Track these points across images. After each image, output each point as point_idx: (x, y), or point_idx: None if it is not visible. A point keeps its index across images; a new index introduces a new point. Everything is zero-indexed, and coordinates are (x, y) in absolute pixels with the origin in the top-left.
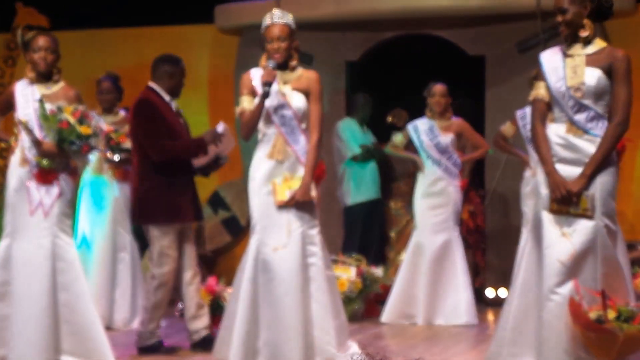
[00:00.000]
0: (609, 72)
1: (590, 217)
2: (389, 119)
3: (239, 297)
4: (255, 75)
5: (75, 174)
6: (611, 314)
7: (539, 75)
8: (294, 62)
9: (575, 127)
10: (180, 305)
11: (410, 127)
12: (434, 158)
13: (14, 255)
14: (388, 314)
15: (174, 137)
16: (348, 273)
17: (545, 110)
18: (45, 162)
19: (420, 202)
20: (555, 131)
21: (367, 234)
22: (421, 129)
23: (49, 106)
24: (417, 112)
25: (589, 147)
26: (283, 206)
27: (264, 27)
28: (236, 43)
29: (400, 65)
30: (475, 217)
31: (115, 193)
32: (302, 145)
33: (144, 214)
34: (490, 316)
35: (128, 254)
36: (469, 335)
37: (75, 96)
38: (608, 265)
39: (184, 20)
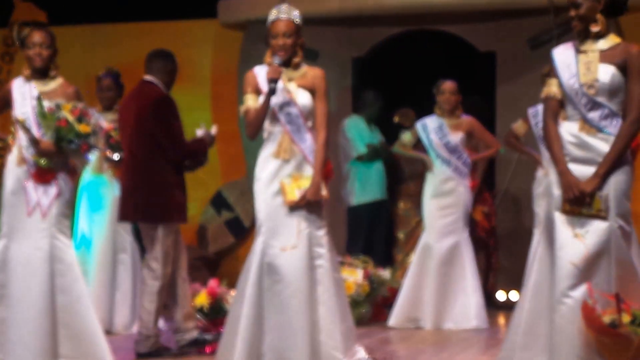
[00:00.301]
0: (623, 68)
1: (603, 218)
2: (396, 119)
3: (243, 300)
4: (260, 73)
5: (74, 174)
6: (625, 318)
7: (551, 72)
8: (298, 59)
9: (589, 125)
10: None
11: (419, 125)
12: (444, 157)
13: (11, 257)
14: (395, 317)
15: None
16: (355, 275)
17: (557, 108)
18: (43, 161)
19: (430, 203)
20: (568, 129)
21: (372, 235)
22: (430, 127)
23: (47, 104)
24: (426, 109)
25: (603, 145)
26: (292, 206)
27: (269, 22)
28: (239, 38)
29: (408, 62)
30: (489, 218)
31: (116, 193)
32: (308, 143)
33: (154, 213)
34: (501, 320)
35: (128, 256)
36: (479, 339)
37: (74, 93)
38: (622, 267)
39: (186, 15)
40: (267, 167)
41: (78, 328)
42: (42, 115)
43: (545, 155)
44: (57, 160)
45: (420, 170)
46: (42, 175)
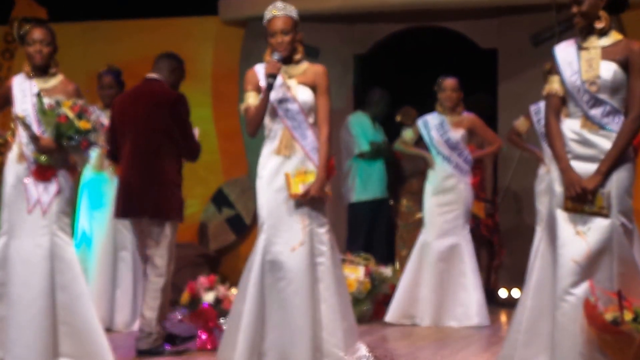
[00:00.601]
0: (625, 65)
1: (606, 216)
2: (398, 118)
3: (245, 297)
4: (260, 71)
5: (74, 171)
6: (628, 316)
7: (553, 69)
8: (298, 56)
9: (591, 123)
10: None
11: (420, 122)
12: (444, 154)
13: (11, 255)
14: (392, 313)
15: None
16: (356, 273)
17: (559, 105)
18: (43, 158)
19: (430, 200)
20: (570, 127)
21: (372, 233)
22: (431, 124)
23: (47, 100)
24: (428, 107)
25: (605, 143)
26: (292, 203)
27: (267, 20)
28: (240, 35)
29: (409, 59)
30: (492, 215)
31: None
32: (309, 140)
33: (163, 210)
34: (502, 317)
35: (129, 253)
36: (480, 337)
37: (74, 90)
38: (624, 265)
39: (187, 12)
40: (269, 164)
41: (78, 326)
42: (42, 112)
43: (547, 153)
44: (58, 157)
45: (422, 168)
46: (42, 173)
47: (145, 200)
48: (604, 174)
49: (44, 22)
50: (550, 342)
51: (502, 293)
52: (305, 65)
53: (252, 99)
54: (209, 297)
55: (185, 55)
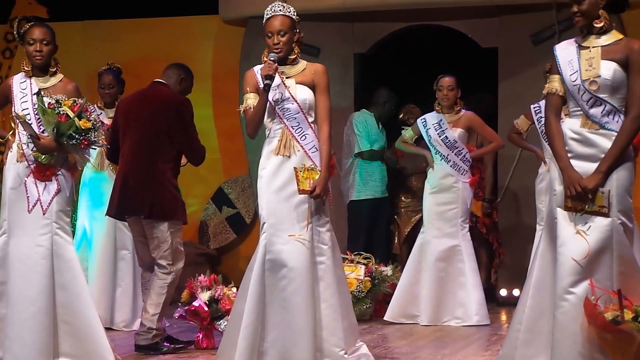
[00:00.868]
0: (625, 64)
1: (606, 215)
2: (400, 115)
3: (245, 297)
4: (259, 72)
5: (74, 170)
6: (628, 315)
7: (553, 68)
8: (295, 55)
9: (591, 122)
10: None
11: (419, 121)
12: (442, 153)
13: (11, 254)
14: (391, 312)
15: None
16: (357, 272)
17: (559, 104)
18: (43, 157)
19: (429, 199)
20: (570, 126)
21: (373, 232)
22: (429, 123)
23: (47, 99)
24: (429, 106)
25: (605, 142)
26: (293, 202)
27: (264, 21)
28: (241, 34)
29: (410, 58)
30: (490, 214)
31: None
32: (309, 140)
33: (160, 210)
34: (503, 316)
35: (129, 252)
36: (480, 336)
37: (74, 89)
38: (624, 264)
39: (188, 11)
40: (268, 165)
41: (78, 325)
42: (42, 111)
43: (547, 151)
44: (58, 156)
45: (422, 167)
46: (43, 172)
47: (141, 200)
48: (604, 173)
49: (43, 21)
50: (550, 341)
51: (503, 292)
52: (303, 64)
53: (251, 100)
54: (203, 296)
55: (185, 54)
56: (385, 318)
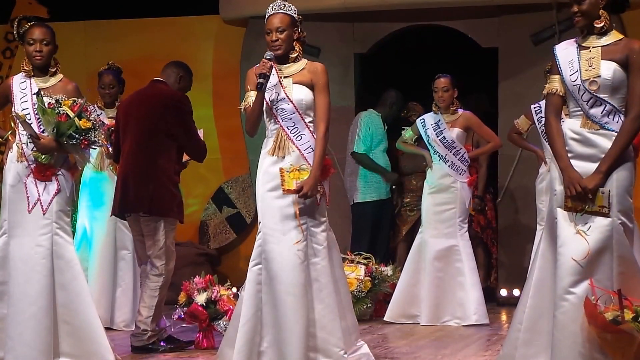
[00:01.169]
0: (625, 64)
1: (606, 215)
2: (402, 113)
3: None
4: None
5: (74, 170)
6: (628, 315)
7: (553, 68)
8: (295, 53)
9: (591, 122)
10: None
11: (418, 121)
12: (440, 153)
13: (12, 254)
14: (391, 312)
15: None
16: (357, 272)
17: (560, 104)
18: (43, 157)
19: (427, 199)
20: (570, 126)
21: (378, 233)
22: (428, 123)
23: (47, 99)
24: (429, 106)
25: (605, 142)
26: (287, 202)
27: (265, 19)
28: (241, 34)
29: (410, 58)
30: (485, 213)
31: None
32: (305, 140)
33: (159, 207)
34: (503, 316)
35: (129, 252)
36: (481, 336)
37: (74, 89)
38: (624, 264)
39: (188, 11)
40: (264, 164)
41: (78, 325)
42: (42, 111)
43: (548, 151)
44: (58, 156)
45: (422, 166)
46: (43, 172)
47: (140, 197)
48: (604, 173)
49: (43, 21)
50: (550, 341)
51: (503, 292)
52: (302, 63)
53: (251, 98)
54: (200, 298)
55: (186, 54)
56: (385, 318)
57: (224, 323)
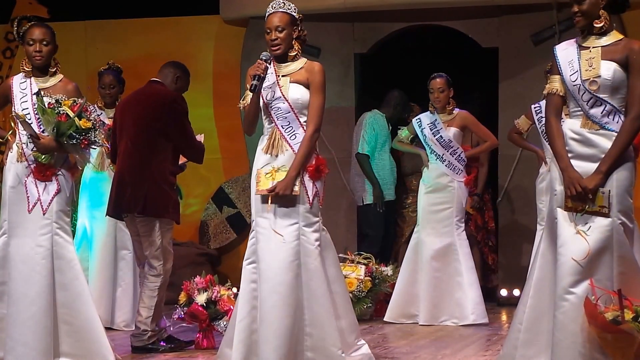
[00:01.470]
0: (625, 64)
1: (606, 215)
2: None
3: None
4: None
5: (74, 170)
6: (628, 315)
7: (554, 69)
8: (294, 52)
9: (591, 122)
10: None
11: (414, 121)
12: (437, 153)
13: (12, 254)
14: (390, 312)
15: None
16: (357, 272)
17: (560, 104)
18: (43, 157)
19: (423, 198)
20: (570, 126)
21: (386, 233)
22: (424, 123)
23: (47, 99)
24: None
25: (605, 142)
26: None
27: (265, 18)
28: (242, 34)
29: (411, 58)
30: (482, 213)
31: None
32: (299, 140)
33: (154, 207)
34: (503, 316)
35: (130, 252)
36: (481, 336)
37: (73, 89)
38: (625, 264)
39: (188, 11)
40: (258, 162)
41: (78, 325)
42: (42, 111)
43: (548, 151)
44: (58, 156)
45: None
46: (43, 172)
47: (135, 197)
48: (604, 173)
49: (44, 21)
50: (550, 341)
51: (503, 292)
52: (301, 62)
53: (249, 97)
54: (201, 299)
55: (186, 54)
56: (385, 319)
57: (224, 323)
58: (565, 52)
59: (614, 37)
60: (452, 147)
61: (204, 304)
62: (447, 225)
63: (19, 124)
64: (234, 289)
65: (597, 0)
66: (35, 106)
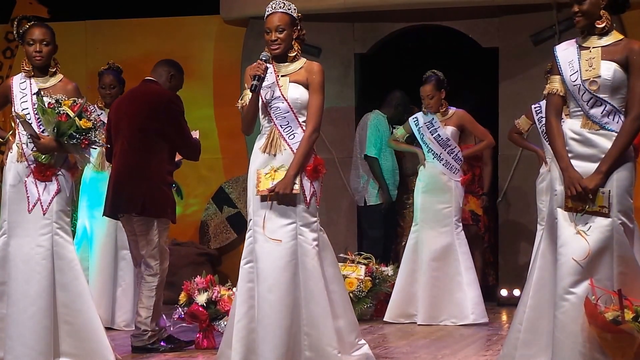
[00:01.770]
0: (625, 65)
1: (606, 215)
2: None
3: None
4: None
5: (74, 170)
6: (628, 315)
7: (554, 69)
8: (294, 52)
9: (591, 122)
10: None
11: (411, 120)
12: (435, 152)
13: (12, 254)
14: (390, 312)
15: None
16: (357, 272)
17: (560, 104)
18: (43, 157)
19: (421, 197)
20: (570, 126)
21: (386, 233)
22: (421, 122)
23: (47, 99)
24: None
25: (605, 142)
26: (268, 199)
27: (265, 18)
28: (242, 34)
29: (411, 58)
30: (475, 214)
31: None
32: (298, 139)
33: (151, 207)
34: (503, 316)
35: (129, 252)
36: (481, 336)
37: (73, 89)
38: (625, 264)
39: (189, 11)
40: (256, 161)
41: (79, 325)
42: (42, 111)
43: (548, 151)
44: (58, 156)
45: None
46: (43, 172)
47: (133, 197)
48: (605, 173)
49: (44, 21)
50: (550, 341)
51: (503, 292)
52: (301, 62)
53: (247, 97)
54: (201, 299)
55: (186, 54)
56: (384, 319)
57: (224, 323)
58: (565, 52)
59: (614, 37)
60: (449, 146)
61: (204, 304)
62: (447, 224)
63: (19, 124)
64: (234, 289)
65: (598, 0)
66: (35, 106)
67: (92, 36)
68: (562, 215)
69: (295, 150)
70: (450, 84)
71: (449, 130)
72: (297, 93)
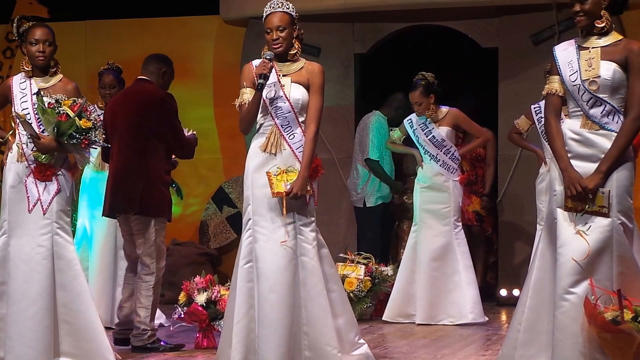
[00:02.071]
0: (624, 65)
1: (606, 215)
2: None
3: (235, 295)
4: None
5: (74, 170)
6: (628, 315)
7: (553, 69)
8: (294, 52)
9: (591, 122)
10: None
11: (406, 121)
12: (431, 153)
13: (12, 254)
14: (389, 311)
15: None
16: (357, 272)
17: (559, 104)
18: (43, 157)
19: (419, 198)
20: (570, 126)
21: (385, 234)
22: (416, 123)
23: (47, 99)
24: None
25: (605, 142)
26: (276, 201)
27: (264, 17)
28: (242, 35)
29: (410, 58)
30: (475, 214)
31: None
32: (297, 139)
33: (149, 207)
34: (503, 316)
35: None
36: (480, 336)
37: (73, 89)
38: (624, 264)
39: (189, 11)
40: (255, 160)
41: (78, 325)
42: (42, 111)
43: (548, 151)
44: (58, 156)
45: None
46: (43, 172)
47: (131, 197)
48: (604, 173)
49: (44, 21)
50: (550, 341)
51: (503, 292)
52: (301, 63)
53: (246, 95)
54: (201, 298)
55: (186, 54)
56: (383, 318)
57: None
58: (565, 52)
59: (613, 37)
60: (445, 146)
61: (204, 304)
62: (446, 224)
63: (19, 124)
64: None
65: (600, 0)
66: (35, 106)
67: (92, 36)
68: (561, 215)
69: (294, 150)
70: (450, 84)
71: (443, 131)
72: (299, 94)
